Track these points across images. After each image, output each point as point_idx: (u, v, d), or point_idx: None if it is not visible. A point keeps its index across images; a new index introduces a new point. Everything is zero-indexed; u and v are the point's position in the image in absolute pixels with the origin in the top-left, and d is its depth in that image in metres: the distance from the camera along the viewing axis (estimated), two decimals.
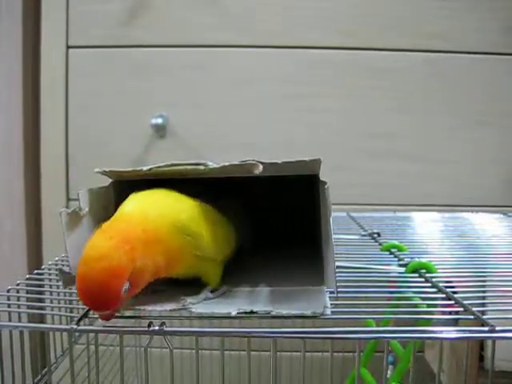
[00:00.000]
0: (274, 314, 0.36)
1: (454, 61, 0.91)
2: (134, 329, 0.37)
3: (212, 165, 0.41)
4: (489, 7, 0.89)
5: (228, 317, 0.36)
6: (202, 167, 0.42)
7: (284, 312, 0.36)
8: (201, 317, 0.37)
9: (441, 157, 0.92)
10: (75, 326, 0.36)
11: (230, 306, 0.38)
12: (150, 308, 0.38)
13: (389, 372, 0.61)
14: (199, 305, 0.39)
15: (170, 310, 0.38)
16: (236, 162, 0.41)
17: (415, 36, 0.90)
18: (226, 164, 0.41)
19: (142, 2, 0.90)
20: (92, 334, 0.40)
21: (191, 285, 0.43)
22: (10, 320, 0.41)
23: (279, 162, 0.41)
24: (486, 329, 0.35)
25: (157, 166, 0.42)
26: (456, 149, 0.92)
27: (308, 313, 0.36)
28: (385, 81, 0.91)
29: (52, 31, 0.90)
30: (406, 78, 0.91)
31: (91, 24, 0.90)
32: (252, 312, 0.36)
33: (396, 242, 0.58)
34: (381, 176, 0.91)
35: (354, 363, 0.37)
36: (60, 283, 0.43)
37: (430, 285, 0.45)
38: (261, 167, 0.40)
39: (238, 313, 0.36)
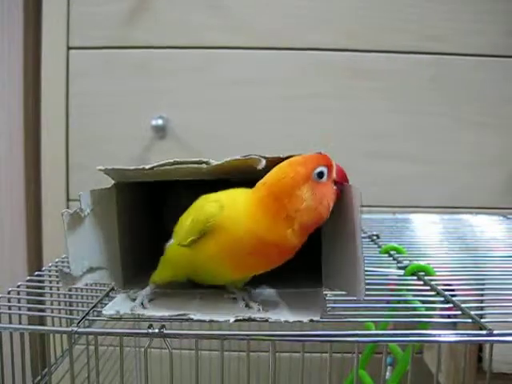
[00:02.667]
0: (272, 320, 0.36)
1: (454, 63, 0.91)
2: (133, 331, 0.37)
3: (214, 162, 0.42)
4: (490, 10, 0.89)
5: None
6: (204, 165, 0.42)
7: (282, 319, 0.36)
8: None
9: (440, 158, 0.92)
10: (76, 329, 0.36)
11: (229, 311, 0.38)
12: (149, 313, 0.38)
13: (387, 373, 0.61)
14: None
15: (169, 315, 0.38)
16: (238, 157, 0.41)
17: (416, 38, 0.90)
18: (229, 159, 0.41)
19: (142, 4, 0.90)
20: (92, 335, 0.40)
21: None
22: (10, 322, 0.41)
23: (282, 156, 0.41)
24: (484, 332, 0.35)
25: (159, 164, 0.42)
26: (456, 150, 0.92)
27: (306, 320, 0.36)
28: (385, 82, 0.91)
29: (53, 32, 0.90)
30: (407, 80, 0.91)
31: (92, 25, 0.90)
32: (250, 319, 0.37)
33: (395, 245, 0.58)
34: (380, 177, 0.92)
35: (353, 364, 0.38)
36: (60, 285, 0.43)
37: (428, 288, 0.45)
38: (263, 162, 0.41)
39: (236, 320, 0.36)
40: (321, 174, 0.39)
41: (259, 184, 0.40)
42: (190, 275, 0.44)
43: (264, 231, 0.38)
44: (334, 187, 0.40)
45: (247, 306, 0.41)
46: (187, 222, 0.42)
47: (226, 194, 0.42)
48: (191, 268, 0.42)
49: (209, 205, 0.41)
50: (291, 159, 0.41)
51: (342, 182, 0.41)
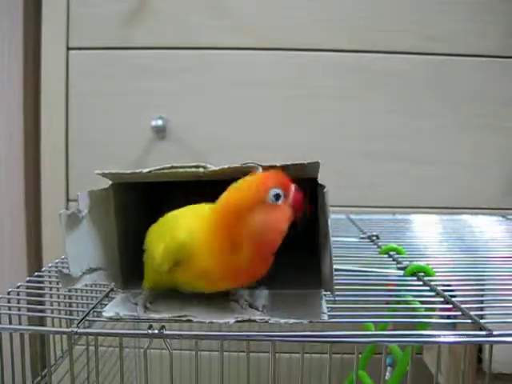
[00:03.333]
0: (271, 322, 0.36)
1: (454, 63, 0.91)
2: (134, 332, 0.37)
3: (211, 167, 0.42)
4: (490, 10, 0.89)
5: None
6: (201, 170, 0.42)
7: (282, 321, 0.36)
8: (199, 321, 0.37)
9: (440, 159, 0.92)
10: (76, 329, 0.36)
11: (229, 312, 0.38)
12: (148, 315, 0.38)
13: (387, 374, 0.61)
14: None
15: (169, 317, 0.38)
16: (236, 165, 0.41)
17: (416, 38, 0.90)
18: (226, 167, 0.41)
19: (142, 4, 0.90)
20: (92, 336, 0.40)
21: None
22: (10, 322, 0.41)
23: (278, 164, 0.41)
24: (484, 333, 0.35)
25: (156, 168, 0.42)
26: (455, 151, 0.92)
27: (305, 322, 0.36)
28: (385, 83, 0.91)
29: (52, 33, 0.90)
30: (407, 81, 0.91)
31: (91, 26, 0.90)
32: (250, 320, 0.37)
33: (395, 245, 0.58)
34: (380, 178, 0.92)
35: (353, 365, 0.38)
36: (60, 285, 0.43)
37: (428, 288, 0.45)
38: (260, 170, 0.41)
39: (236, 321, 0.37)
40: (277, 197, 0.38)
41: (217, 204, 0.40)
42: (173, 288, 0.43)
43: (221, 258, 0.38)
44: (289, 211, 0.39)
45: (250, 306, 0.41)
46: (159, 245, 0.40)
47: (192, 214, 0.41)
48: (172, 285, 0.42)
49: (179, 233, 0.39)
50: (248, 178, 0.39)
51: (297, 210, 0.39)
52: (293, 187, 0.39)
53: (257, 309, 0.40)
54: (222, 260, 0.38)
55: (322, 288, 0.44)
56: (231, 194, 0.39)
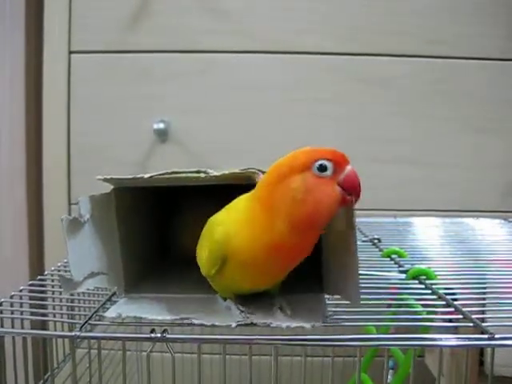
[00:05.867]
0: (273, 326, 0.36)
1: (455, 66, 0.91)
2: (136, 335, 0.37)
3: (212, 173, 0.42)
4: (492, 13, 0.90)
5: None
6: (202, 175, 0.42)
7: (284, 325, 0.36)
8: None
9: (442, 162, 0.92)
10: (79, 333, 0.36)
11: (230, 316, 0.38)
12: (150, 317, 0.38)
13: (389, 377, 0.61)
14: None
15: (171, 319, 0.38)
16: (236, 170, 0.41)
17: (417, 41, 0.90)
18: (226, 172, 0.41)
19: (143, 8, 0.90)
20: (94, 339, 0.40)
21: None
22: (13, 326, 0.41)
23: None
24: (486, 336, 0.35)
25: (158, 173, 0.42)
26: (457, 154, 0.92)
27: (308, 326, 0.36)
28: (386, 86, 0.91)
29: (54, 36, 0.90)
30: (408, 84, 0.91)
31: (93, 29, 0.90)
32: (252, 324, 0.37)
33: (396, 248, 0.59)
34: (381, 181, 0.92)
35: (355, 368, 0.38)
36: (62, 289, 0.43)
37: (430, 292, 0.45)
38: (261, 175, 0.41)
39: (238, 325, 0.37)
40: (322, 168, 0.36)
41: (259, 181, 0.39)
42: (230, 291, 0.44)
43: (262, 234, 0.37)
44: (338, 189, 0.36)
45: (280, 309, 0.41)
46: (205, 252, 0.41)
47: (231, 209, 0.41)
48: (225, 287, 0.43)
49: (217, 233, 0.39)
50: (298, 149, 0.38)
51: (349, 192, 0.36)
52: (349, 167, 0.36)
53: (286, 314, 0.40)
54: (263, 237, 0.37)
55: (324, 292, 0.45)
56: (278, 161, 0.38)
